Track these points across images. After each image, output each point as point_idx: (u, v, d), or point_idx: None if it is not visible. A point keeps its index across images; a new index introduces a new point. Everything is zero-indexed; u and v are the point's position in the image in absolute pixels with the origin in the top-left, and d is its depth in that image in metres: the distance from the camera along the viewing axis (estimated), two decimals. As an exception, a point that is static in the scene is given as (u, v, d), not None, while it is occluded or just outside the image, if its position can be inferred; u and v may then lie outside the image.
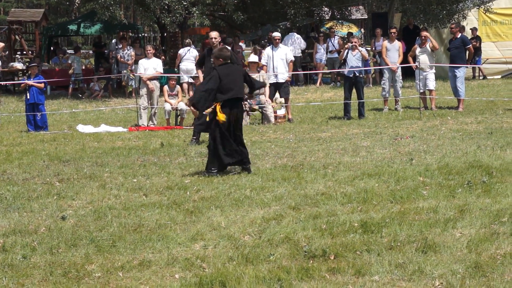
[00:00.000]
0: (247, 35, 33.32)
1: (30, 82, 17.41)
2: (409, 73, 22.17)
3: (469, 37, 26.83)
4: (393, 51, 19.32)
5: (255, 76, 17.21)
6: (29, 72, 18.26)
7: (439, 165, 10.47)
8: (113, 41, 27.97)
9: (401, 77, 19.38)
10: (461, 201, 8.28)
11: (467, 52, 20.02)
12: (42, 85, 17.63)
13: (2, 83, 26.01)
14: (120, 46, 26.52)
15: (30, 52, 34.85)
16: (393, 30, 20.06)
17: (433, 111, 18.28)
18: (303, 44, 27.84)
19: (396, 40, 19.61)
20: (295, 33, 28.36)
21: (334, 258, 6.50)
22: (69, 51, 32.79)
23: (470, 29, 27.37)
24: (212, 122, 10.71)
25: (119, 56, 25.96)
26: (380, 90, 21.79)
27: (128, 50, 25.82)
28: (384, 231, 7.17)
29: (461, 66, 18.83)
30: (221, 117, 10.49)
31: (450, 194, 8.69)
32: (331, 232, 7.24)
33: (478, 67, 27.09)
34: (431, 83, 18.87)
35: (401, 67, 19.26)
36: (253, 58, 17.93)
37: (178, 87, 18.51)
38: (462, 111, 18.02)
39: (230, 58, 11.08)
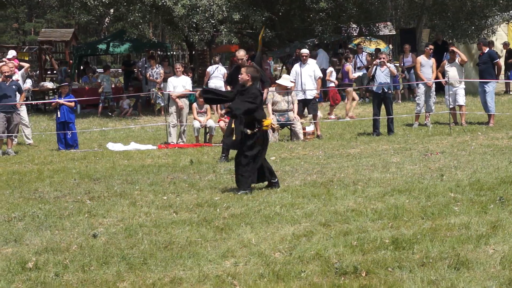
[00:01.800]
0: (275, 52, 33.37)
1: (61, 101, 17.59)
2: (438, 89, 22.09)
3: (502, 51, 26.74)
4: (427, 67, 19.27)
5: (282, 93, 17.26)
6: (60, 91, 18.44)
7: (470, 181, 10.39)
8: (142, 59, 28.23)
9: (434, 93, 19.33)
10: (493, 217, 8.20)
11: (496, 67, 19.91)
12: (72, 104, 17.79)
13: (33, 102, 26.30)
14: (149, 64, 26.71)
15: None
16: (431, 47, 20.02)
17: (463, 126, 18.18)
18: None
19: (431, 57, 19.55)
20: (321, 50, 28.41)
21: (365, 275, 6.45)
22: (98, 70, 33.13)
23: (502, 44, 27.25)
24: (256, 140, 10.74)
25: (148, 75, 26.13)
26: (409, 105, 21.81)
27: (157, 68, 25.96)
28: (415, 248, 7.11)
29: (491, 81, 18.72)
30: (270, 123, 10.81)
31: (482, 210, 8.60)
32: (362, 249, 7.20)
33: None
34: (461, 99, 18.79)
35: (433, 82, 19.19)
36: (284, 79, 17.91)
37: (206, 105, 18.57)
38: (493, 126, 17.89)
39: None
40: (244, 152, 10.67)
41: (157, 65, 26.24)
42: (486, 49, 19.34)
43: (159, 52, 34.39)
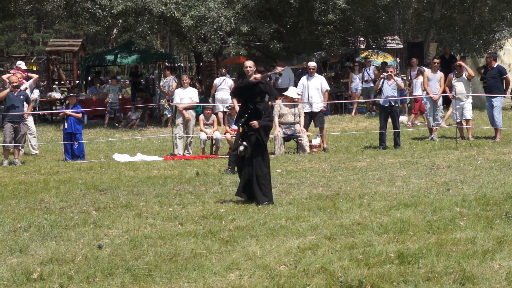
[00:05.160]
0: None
1: (68, 111, 17.62)
2: (445, 103, 22.07)
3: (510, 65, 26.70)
4: (434, 81, 19.24)
5: (289, 105, 17.27)
6: (68, 101, 18.48)
7: (477, 196, 10.36)
8: (155, 72, 28.39)
9: (442, 107, 19.29)
10: (499, 232, 8.17)
11: (504, 82, 19.85)
12: (80, 115, 17.82)
13: (41, 112, 26.36)
14: (164, 74, 26.64)
15: (67, 82, 35.35)
16: (437, 61, 19.95)
17: (470, 141, 18.14)
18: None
19: (438, 71, 19.52)
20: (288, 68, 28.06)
21: (370, 289, 6.44)
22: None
23: None
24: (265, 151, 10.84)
25: (161, 84, 26.00)
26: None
27: (169, 80, 25.59)
28: (421, 262, 7.09)
29: (498, 96, 18.68)
30: None
31: (488, 225, 8.57)
32: (367, 263, 7.18)
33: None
34: (468, 113, 18.76)
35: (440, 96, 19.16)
36: (291, 91, 17.92)
37: (213, 116, 18.60)
38: (500, 141, 17.85)
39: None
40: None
41: (171, 76, 25.91)
42: (495, 64, 19.31)
43: (166, 63, 34.48)
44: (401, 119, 21.79)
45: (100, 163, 16.63)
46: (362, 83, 27.87)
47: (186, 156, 17.68)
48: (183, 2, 24.65)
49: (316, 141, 17.90)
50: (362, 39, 32.55)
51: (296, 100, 17.52)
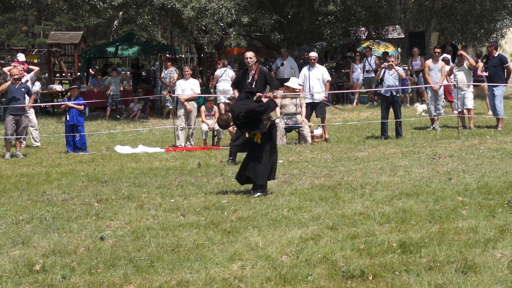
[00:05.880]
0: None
1: (71, 103, 17.62)
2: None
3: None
4: (435, 71, 19.19)
5: (290, 96, 17.26)
6: (70, 93, 18.47)
7: (479, 185, 10.35)
8: (156, 64, 28.37)
9: (443, 96, 19.26)
10: (501, 221, 8.16)
11: (506, 71, 19.82)
12: (82, 107, 17.81)
13: (42, 104, 26.35)
14: (165, 66, 26.60)
15: (68, 74, 35.34)
16: (438, 50, 19.88)
17: (472, 130, 18.12)
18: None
19: (440, 60, 19.47)
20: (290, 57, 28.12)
21: (372, 279, 6.44)
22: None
23: None
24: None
25: (162, 76, 25.92)
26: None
27: (171, 72, 25.50)
28: (423, 251, 7.09)
29: (499, 85, 18.66)
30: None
31: (490, 214, 8.57)
32: (369, 252, 7.18)
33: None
34: (470, 102, 18.74)
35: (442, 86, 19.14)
36: (292, 81, 17.92)
37: (215, 107, 18.60)
38: (501, 130, 17.83)
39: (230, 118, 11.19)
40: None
41: (172, 68, 25.79)
42: (496, 53, 19.28)
43: (167, 55, 34.50)
44: (422, 108, 21.69)
45: (102, 155, 16.64)
46: (363, 73, 27.84)
47: (187, 147, 17.68)
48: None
49: (318, 131, 17.89)
50: (363, 29, 32.53)
51: (298, 90, 17.51)
